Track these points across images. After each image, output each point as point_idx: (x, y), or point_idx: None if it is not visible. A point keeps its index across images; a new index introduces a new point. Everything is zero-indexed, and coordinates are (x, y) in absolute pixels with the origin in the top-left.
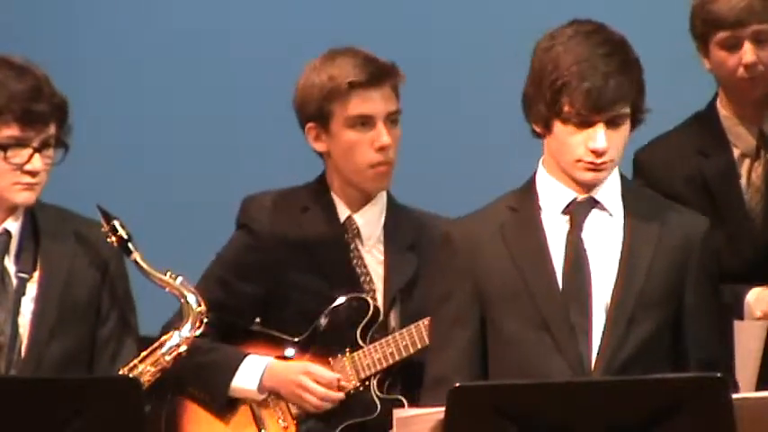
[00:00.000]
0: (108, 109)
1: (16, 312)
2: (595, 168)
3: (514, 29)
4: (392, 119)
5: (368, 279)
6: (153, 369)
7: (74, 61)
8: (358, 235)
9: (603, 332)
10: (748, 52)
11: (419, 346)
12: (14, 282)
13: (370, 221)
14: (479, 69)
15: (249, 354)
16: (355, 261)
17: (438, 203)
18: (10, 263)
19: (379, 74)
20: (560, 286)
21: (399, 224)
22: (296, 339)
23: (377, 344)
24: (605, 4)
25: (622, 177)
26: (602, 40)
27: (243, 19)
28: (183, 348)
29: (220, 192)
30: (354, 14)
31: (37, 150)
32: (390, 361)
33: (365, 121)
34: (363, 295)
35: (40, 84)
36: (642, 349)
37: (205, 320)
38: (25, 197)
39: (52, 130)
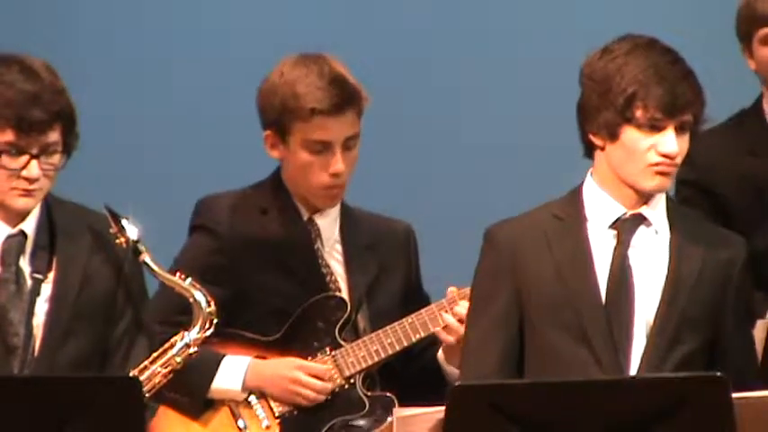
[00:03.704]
0: (108, 109)
1: (30, 313)
2: (664, 172)
3: (514, 29)
4: (350, 143)
5: (333, 279)
6: (164, 370)
7: (74, 61)
8: (319, 236)
9: (645, 350)
10: None
11: (405, 344)
12: (29, 282)
13: (328, 223)
14: (479, 69)
15: (226, 354)
16: (320, 261)
17: (438, 203)
18: (25, 263)
19: (342, 102)
20: (603, 300)
21: (355, 226)
22: (269, 339)
23: (359, 342)
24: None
25: (668, 196)
26: (663, 50)
27: (243, 19)
28: (194, 350)
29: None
30: (355, 14)
31: (35, 157)
32: (375, 359)
33: (323, 147)
34: (339, 294)
35: (41, 90)
36: (681, 369)
37: (215, 321)
38: (24, 203)
39: (54, 136)
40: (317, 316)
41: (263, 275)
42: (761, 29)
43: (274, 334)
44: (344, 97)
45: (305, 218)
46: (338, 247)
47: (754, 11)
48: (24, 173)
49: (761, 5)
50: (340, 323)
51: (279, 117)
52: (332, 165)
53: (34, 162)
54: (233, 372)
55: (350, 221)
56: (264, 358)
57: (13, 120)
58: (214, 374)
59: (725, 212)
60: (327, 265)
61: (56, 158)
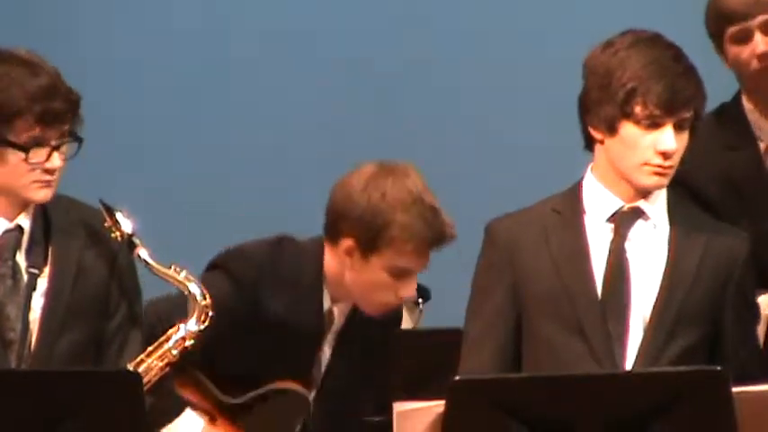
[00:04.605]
0: (108, 109)
1: (27, 308)
2: (661, 173)
3: (513, 29)
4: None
5: (317, 366)
6: (160, 363)
7: (74, 61)
8: (329, 328)
9: (641, 343)
10: (759, 43)
11: None
12: (25, 277)
13: (341, 314)
14: (480, 69)
15: (187, 407)
16: (319, 353)
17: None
18: (21, 258)
19: (441, 241)
20: (599, 293)
21: (360, 315)
22: (227, 400)
23: None
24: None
25: (669, 191)
26: (665, 46)
27: (243, 19)
28: (190, 342)
29: (220, 189)
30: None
31: (55, 148)
32: None
33: (404, 272)
34: (308, 396)
35: (54, 81)
36: (678, 363)
37: (211, 313)
38: (44, 194)
39: (67, 125)
40: (278, 406)
41: (259, 346)
42: (729, 27)
43: (236, 395)
44: (444, 236)
45: (326, 305)
46: (334, 334)
47: (720, 9)
48: (48, 165)
49: (726, 3)
50: (298, 428)
51: (373, 236)
52: (405, 290)
53: (56, 153)
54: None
55: (359, 312)
56: (214, 418)
57: (39, 113)
58: (166, 424)
59: (705, 208)
60: (321, 351)
61: (66, 147)
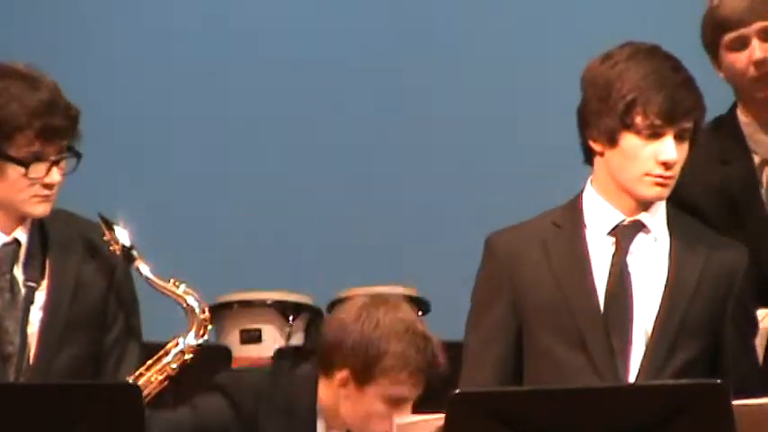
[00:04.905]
0: (108, 109)
1: (25, 322)
2: (662, 183)
3: (513, 30)
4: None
5: None
6: (159, 377)
7: (74, 61)
8: None
9: (643, 357)
10: (756, 49)
11: None
12: (23, 291)
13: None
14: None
15: None
16: None
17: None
18: (19, 272)
19: (435, 370)
20: (601, 307)
21: None
22: None
23: None
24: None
25: (668, 204)
26: (664, 57)
27: (243, 19)
28: (189, 356)
29: (220, 189)
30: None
31: (55, 163)
32: None
33: (399, 401)
34: None
35: (54, 96)
36: (680, 377)
37: (210, 327)
38: (42, 209)
39: (66, 141)
40: None
41: None
42: (725, 35)
43: None
44: (437, 364)
45: None
46: None
47: (716, 18)
48: (47, 179)
49: (722, 11)
50: None
51: (368, 368)
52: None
53: (55, 168)
54: None
55: None
56: None
57: (39, 129)
58: None
59: (701, 222)
60: None
61: (65, 163)
